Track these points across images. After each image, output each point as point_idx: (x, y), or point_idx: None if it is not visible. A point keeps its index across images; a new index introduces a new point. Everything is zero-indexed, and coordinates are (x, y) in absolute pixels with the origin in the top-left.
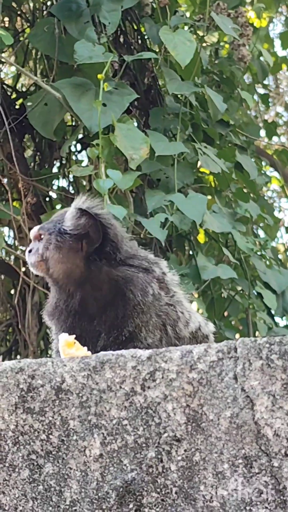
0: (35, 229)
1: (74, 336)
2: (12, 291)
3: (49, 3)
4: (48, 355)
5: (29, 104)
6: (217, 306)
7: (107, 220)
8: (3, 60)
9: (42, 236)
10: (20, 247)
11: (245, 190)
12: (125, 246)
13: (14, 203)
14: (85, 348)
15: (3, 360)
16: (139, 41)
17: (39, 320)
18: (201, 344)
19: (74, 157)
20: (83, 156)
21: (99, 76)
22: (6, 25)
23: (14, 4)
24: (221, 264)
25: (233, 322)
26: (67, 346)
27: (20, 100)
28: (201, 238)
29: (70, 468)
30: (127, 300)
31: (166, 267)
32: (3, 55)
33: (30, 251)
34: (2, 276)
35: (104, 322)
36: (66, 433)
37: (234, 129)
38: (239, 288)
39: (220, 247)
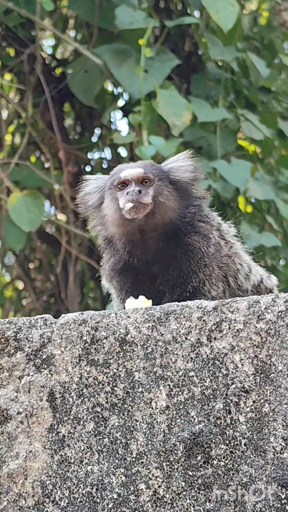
0: (141, 171)
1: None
2: (54, 262)
3: None
4: None
5: (69, 71)
6: None
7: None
8: (42, 27)
9: (150, 181)
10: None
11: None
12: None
13: (55, 172)
14: (150, 301)
15: None
16: (180, 6)
17: (81, 290)
18: (267, 295)
19: (113, 126)
20: (123, 125)
21: (140, 41)
22: None
23: None
24: (265, 232)
25: None
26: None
27: (60, 69)
28: (242, 206)
29: (136, 421)
30: (192, 251)
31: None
32: (43, 22)
33: (140, 191)
34: (44, 246)
35: (168, 281)
36: (132, 385)
37: (276, 96)
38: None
39: (263, 215)
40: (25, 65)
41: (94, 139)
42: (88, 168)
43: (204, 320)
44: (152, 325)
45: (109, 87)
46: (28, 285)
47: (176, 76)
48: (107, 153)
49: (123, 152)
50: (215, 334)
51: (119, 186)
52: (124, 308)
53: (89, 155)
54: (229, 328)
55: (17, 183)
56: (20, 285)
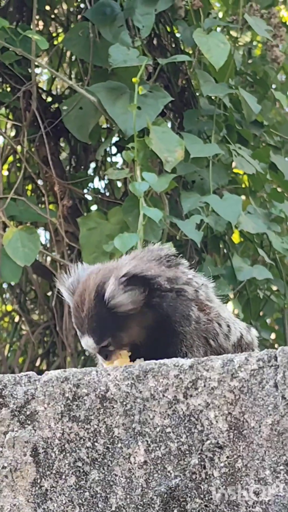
0: (94, 346)
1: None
2: (49, 293)
3: (82, 5)
4: (85, 357)
5: (64, 108)
6: (253, 306)
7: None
8: (38, 64)
9: (107, 344)
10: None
11: (279, 190)
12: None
13: (51, 206)
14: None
15: (41, 362)
16: (173, 44)
17: None
18: (241, 353)
19: (109, 160)
20: (118, 158)
21: (133, 79)
22: (41, 29)
23: (48, 8)
24: (257, 265)
25: (268, 321)
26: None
27: (56, 104)
28: (236, 238)
29: (115, 475)
30: (174, 334)
31: (194, 275)
32: (38, 59)
33: (106, 358)
34: (39, 279)
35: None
36: (111, 441)
37: (268, 129)
38: (274, 288)
39: (256, 248)
40: (21, 101)
41: (90, 172)
42: (83, 202)
43: (180, 378)
44: (131, 383)
45: (104, 123)
46: (24, 317)
47: (170, 111)
48: (101, 187)
49: (119, 183)
50: (191, 391)
51: None
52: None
53: (84, 190)
54: (204, 385)
55: (13, 218)
56: (16, 317)
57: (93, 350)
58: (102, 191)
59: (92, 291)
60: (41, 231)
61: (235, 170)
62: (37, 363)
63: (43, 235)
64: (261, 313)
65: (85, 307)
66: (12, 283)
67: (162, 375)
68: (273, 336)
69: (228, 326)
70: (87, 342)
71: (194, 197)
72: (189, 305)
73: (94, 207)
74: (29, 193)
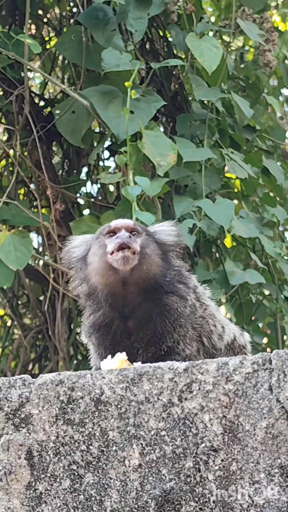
0: (130, 222)
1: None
2: (42, 298)
3: (74, 9)
4: (77, 361)
5: (57, 112)
6: (245, 311)
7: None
8: (30, 68)
9: (138, 233)
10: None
11: (272, 195)
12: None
13: (43, 210)
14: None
15: (33, 366)
16: (165, 48)
17: (69, 326)
18: (236, 356)
19: (101, 164)
20: (110, 162)
21: (126, 83)
22: (33, 33)
23: (40, 12)
24: (249, 269)
25: (260, 325)
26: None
27: (48, 108)
28: (228, 243)
29: (110, 478)
30: (168, 311)
31: (199, 276)
32: (30, 63)
33: (130, 236)
34: (32, 283)
35: (142, 340)
36: (106, 444)
37: (260, 134)
38: (267, 293)
39: (248, 252)
40: (13, 105)
41: (82, 176)
42: (76, 206)
43: (175, 381)
44: (126, 386)
45: (97, 127)
46: (16, 321)
47: (162, 116)
48: (93, 191)
49: (111, 187)
50: (185, 394)
51: (108, 234)
52: (101, 364)
53: (77, 194)
54: (199, 389)
55: (5, 222)
56: (8, 321)
57: (124, 224)
58: (94, 195)
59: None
60: (33, 235)
61: (227, 175)
62: (30, 367)
63: (36, 239)
64: (253, 318)
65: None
66: (4, 287)
67: (157, 378)
68: (265, 340)
69: (222, 327)
70: (123, 220)
71: (187, 201)
72: (187, 291)
73: (86, 211)
74: (21, 197)
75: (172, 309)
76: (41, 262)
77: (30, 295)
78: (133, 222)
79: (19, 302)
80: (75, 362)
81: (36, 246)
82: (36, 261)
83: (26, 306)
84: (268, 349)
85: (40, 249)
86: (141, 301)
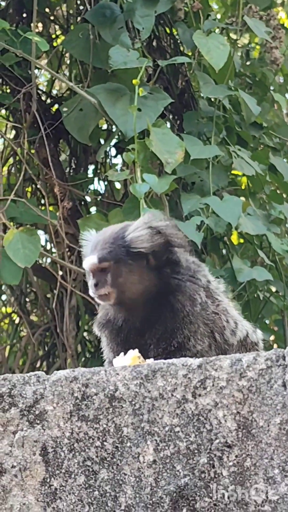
0: (95, 261)
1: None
2: (49, 295)
3: (82, 7)
4: (85, 358)
5: (64, 109)
6: (252, 308)
7: (173, 235)
8: (38, 66)
9: (107, 267)
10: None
11: (279, 192)
12: (181, 255)
13: (50, 208)
14: (139, 358)
15: (41, 364)
16: (173, 46)
17: (77, 324)
18: (250, 353)
19: (109, 161)
20: (118, 160)
21: (134, 81)
22: (40, 31)
23: (47, 10)
24: (256, 266)
25: (267, 322)
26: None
27: (56, 106)
28: (235, 240)
29: (125, 474)
30: (176, 311)
31: (209, 272)
32: (38, 61)
33: (96, 284)
34: (40, 280)
35: (154, 335)
36: (120, 440)
37: (267, 131)
38: (274, 290)
39: (255, 249)
40: (21, 103)
41: (90, 174)
42: (83, 204)
43: (189, 378)
44: (140, 382)
45: (104, 124)
46: (24, 319)
47: (169, 113)
48: (102, 187)
49: (118, 184)
50: (199, 391)
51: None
52: (113, 358)
53: (85, 192)
54: (213, 385)
55: (13, 219)
56: (16, 319)
57: (90, 267)
58: (102, 192)
59: (118, 227)
60: (41, 233)
61: (234, 172)
62: (38, 365)
63: (43, 237)
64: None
65: (106, 235)
66: (13, 285)
67: (171, 374)
68: (272, 338)
69: (235, 323)
70: (90, 259)
71: (194, 199)
72: (196, 289)
73: (94, 209)
74: (29, 194)
75: (179, 308)
76: (48, 260)
77: (38, 292)
78: (97, 261)
79: (27, 300)
80: (83, 359)
81: (44, 244)
82: (44, 259)
83: (34, 304)
84: (275, 346)
85: (48, 247)
86: (147, 309)
